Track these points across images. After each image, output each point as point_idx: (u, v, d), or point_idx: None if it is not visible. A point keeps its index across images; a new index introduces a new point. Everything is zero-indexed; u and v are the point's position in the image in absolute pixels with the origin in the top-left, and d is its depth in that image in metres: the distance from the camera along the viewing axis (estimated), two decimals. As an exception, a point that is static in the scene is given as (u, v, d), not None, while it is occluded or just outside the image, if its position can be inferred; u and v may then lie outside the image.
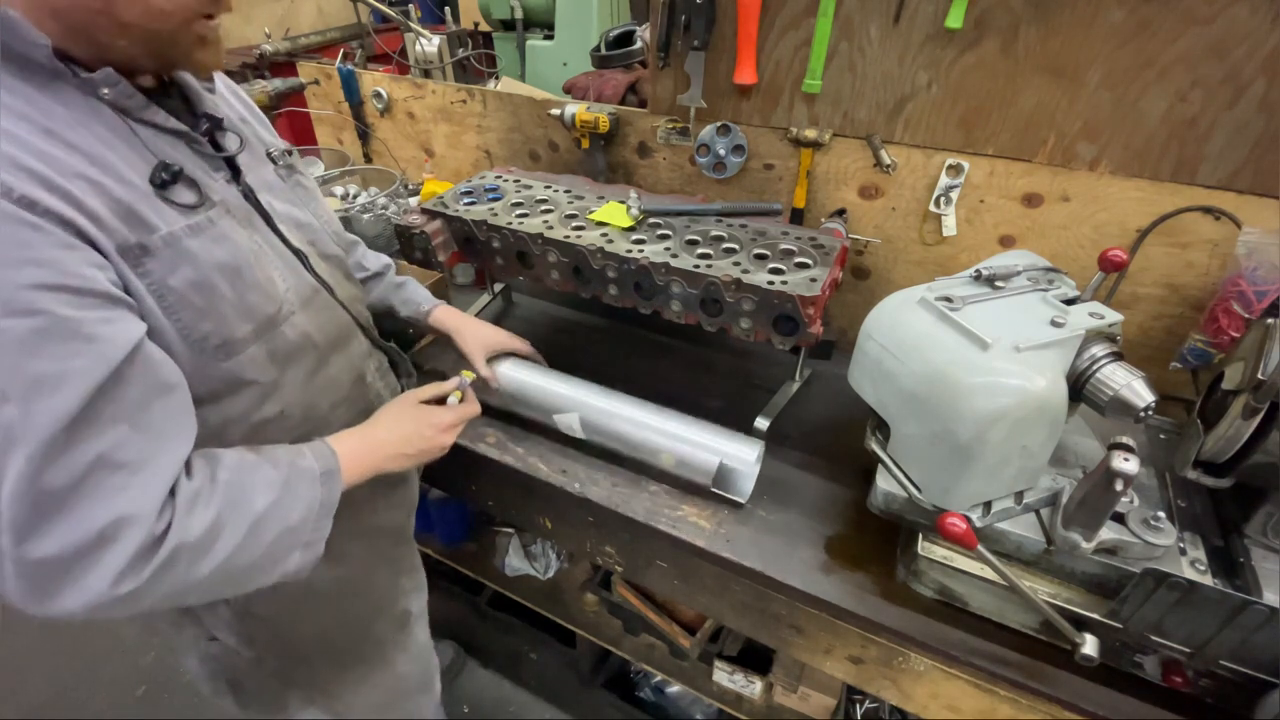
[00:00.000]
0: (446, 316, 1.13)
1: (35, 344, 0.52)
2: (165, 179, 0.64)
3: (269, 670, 0.95)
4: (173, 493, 0.60)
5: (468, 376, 0.97)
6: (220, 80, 0.83)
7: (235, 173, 0.75)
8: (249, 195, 0.76)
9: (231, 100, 0.84)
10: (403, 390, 1.02)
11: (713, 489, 1.01)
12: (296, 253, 0.80)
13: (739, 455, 0.99)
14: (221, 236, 0.68)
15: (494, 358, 1.13)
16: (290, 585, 0.73)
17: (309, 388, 0.81)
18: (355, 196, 1.68)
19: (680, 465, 1.02)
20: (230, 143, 0.76)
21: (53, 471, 0.53)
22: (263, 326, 0.72)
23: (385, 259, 1.16)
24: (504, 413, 1.18)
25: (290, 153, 0.88)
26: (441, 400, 0.93)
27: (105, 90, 0.61)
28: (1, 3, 0.55)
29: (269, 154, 0.84)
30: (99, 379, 0.55)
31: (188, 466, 0.62)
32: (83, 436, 0.54)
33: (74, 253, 0.55)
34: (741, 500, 1.01)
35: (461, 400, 0.95)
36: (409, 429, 0.86)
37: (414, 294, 1.14)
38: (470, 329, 1.12)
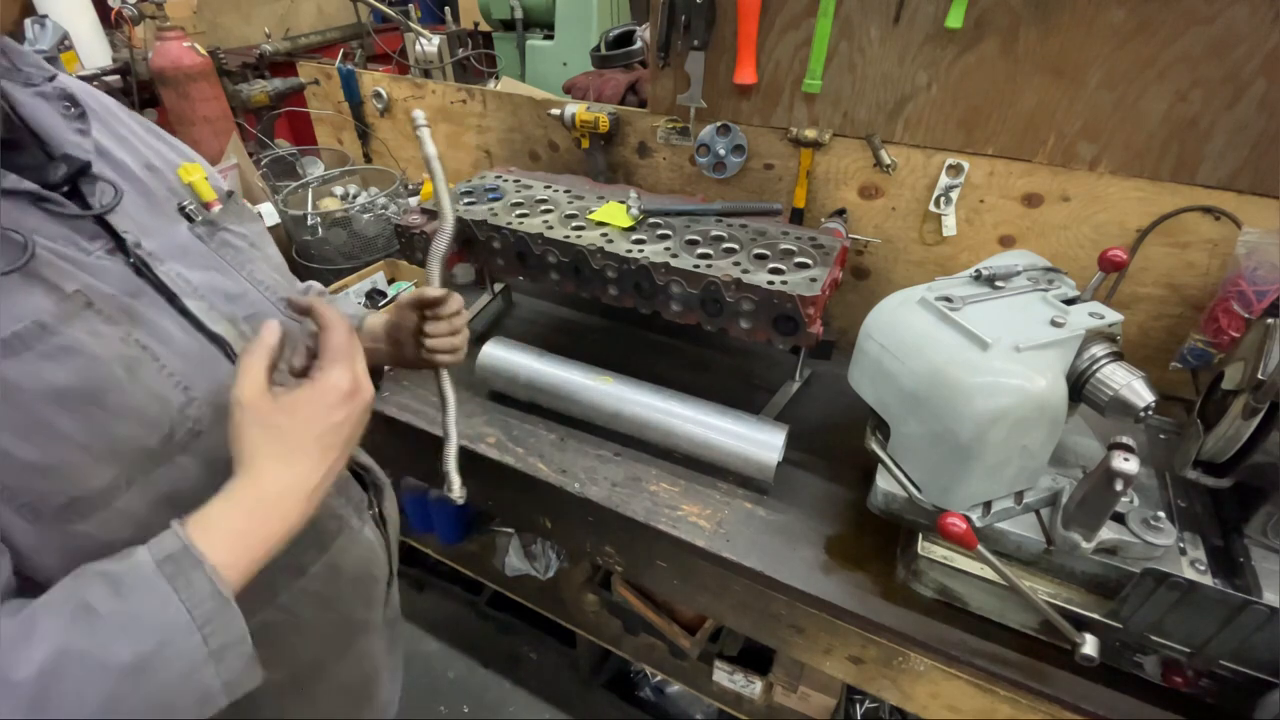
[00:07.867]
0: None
1: None
2: None
3: None
4: None
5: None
6: (95, 98, 0.61)
7: (119, 238, 0.55)
8: (143, 268, 0.55)
9: (124, 131, 0.62)
10: (372, 506, 0.79)
11: (757, 478, 1.03)
12: (215, 339, 0.59)
13: (771, 442, 1.01)
14: (65, 349, 0.47)
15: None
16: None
17: None
18: (355, 196, 1.68)
19: (730, 457, 1.03)
20: (102, 195, 0.54)
21: None
22: (140, 464, 0.52)
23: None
24: (503, 408, 1.18)
25: (229, 195, 0.67)
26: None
27: None
28: None
29: (182, 208, 0.62)
30: None
31: None
32: None
33: None
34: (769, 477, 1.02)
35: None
36: (312, 429, 0.54)
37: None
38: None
